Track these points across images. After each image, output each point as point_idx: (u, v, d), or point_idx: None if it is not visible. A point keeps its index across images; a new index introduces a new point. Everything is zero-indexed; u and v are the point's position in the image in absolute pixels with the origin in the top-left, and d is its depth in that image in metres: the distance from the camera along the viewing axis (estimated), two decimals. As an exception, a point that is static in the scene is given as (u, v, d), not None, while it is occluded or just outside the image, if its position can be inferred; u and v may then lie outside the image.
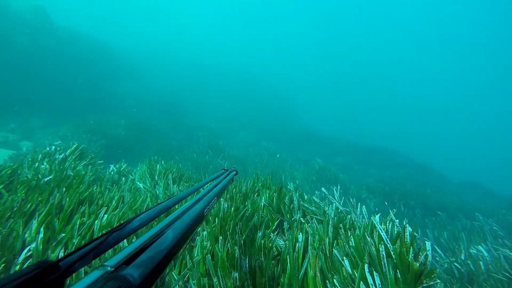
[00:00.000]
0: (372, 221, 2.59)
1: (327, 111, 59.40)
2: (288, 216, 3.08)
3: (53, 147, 5.94)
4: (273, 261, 2.28)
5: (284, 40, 75.37)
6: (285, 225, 2.95)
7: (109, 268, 0.60)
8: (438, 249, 6.32)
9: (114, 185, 5.12)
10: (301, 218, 2.91)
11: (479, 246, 4.98)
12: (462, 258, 4.80)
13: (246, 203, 3.28)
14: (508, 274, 3.88)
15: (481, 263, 4.27)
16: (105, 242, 0.68)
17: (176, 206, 0.98)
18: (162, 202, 1.03)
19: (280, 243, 2.58)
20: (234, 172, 2.19)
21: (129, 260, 0.65)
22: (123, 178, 5.72)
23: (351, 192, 10.66)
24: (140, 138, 13.63)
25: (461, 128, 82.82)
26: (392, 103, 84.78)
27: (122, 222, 0.80)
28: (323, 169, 12.06)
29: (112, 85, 22.57)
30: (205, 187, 1.48)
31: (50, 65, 17.38)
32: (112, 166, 6.43)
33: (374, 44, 78.83)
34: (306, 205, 3.36)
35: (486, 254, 4.56)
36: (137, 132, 14.05)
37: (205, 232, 2.52)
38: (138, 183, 5.03)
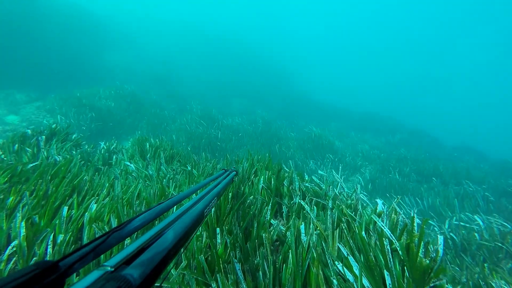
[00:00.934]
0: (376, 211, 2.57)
1: (322, 78, 58.48)
2: (287, 200, 3.06)
3: (29, 131, 5.42)
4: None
5: (278, 7, 71.81)
6: (284, 208, 2.94)
7: (109, 268, 0.61)
8: (434, 216, 6.64)
9: (106, 166, 5.00)
10: (301, 201, 2.88)
11: (475, 216, 5.20)
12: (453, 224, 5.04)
13: (242, 186, 3.24)
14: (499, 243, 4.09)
15: (476, 234, 4.44)
16: (105, 242, 0.68)
17: (176, 207, 0.99)
18: (162, 202, 1.04)
19: (281, 228, 2.60)
20: (234, 172, 2.23)
21: (129, 260, 0.66)
22: (114, 157, 5.54)
23: (347, 160, 10.82)
24: (131, 110, 13.38)
25: (455, 92, 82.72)
26: (386, 70, 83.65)
27: (122, 223, 0.80)
28: (319, 137, 12.14)
29: (101, 55, 21.69)
30: (205, 188, 1.49)
31: (34, 35, 16.44)
32: (102, 143, 6.16)
33: (368, 9, 75.93)
34: (307, 184, 3.37)
35: (481, 223, 4.78)
36: (128, 104, 13.75)
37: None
38: (128, 163, 4.88)
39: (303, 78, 42.09)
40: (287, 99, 24.67)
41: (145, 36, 30.42)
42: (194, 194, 1.37)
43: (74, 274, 2.01)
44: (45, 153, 4.69)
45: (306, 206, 2.72)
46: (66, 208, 2.73)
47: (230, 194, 2.87)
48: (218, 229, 2.18)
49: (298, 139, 12.52)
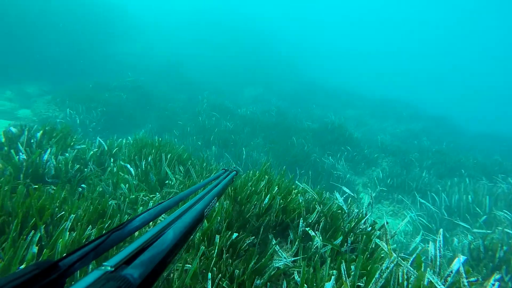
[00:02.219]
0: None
1: (338, 64, 56.91)
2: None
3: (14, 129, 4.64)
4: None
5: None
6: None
7: (109, 268, 0.62)
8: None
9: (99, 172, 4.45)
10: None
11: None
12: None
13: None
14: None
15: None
16: (105, 242, 0.70)
17: (176, 206, 1.02)
18: (162, 202, 1.06)
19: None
20: (235, 172, 2.25)
21: (129, 260, 0.67)
22: (112, 160, 4.88)
23: (366, 152, 10.55)
24: (141, 102, 13.58)
25: (478, 77, 78.68)
26: (404, 54, 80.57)
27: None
28: (338, 127, 11.88)
29: (112, 46, 22.05)
30: (205, 188, 1.52)
31: (46, 27, 16.92)
32: (98, 139, 5.47)
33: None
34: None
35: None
36: (138, 96, 13.97)
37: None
38: (122, 173, 4.18)
39: (319, 65, 41.31)
40: (302, 86, 24.33)
41: (156, 26, 30.55)
42: (194, 194, 1.39)
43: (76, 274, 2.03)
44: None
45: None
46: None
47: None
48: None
49: (314, 130, 12.33)
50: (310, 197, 3.52)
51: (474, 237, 5.12)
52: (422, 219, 6.63)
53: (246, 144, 10.32)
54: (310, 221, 2.98)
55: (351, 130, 12.75)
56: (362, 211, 3.17)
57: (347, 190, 3.85)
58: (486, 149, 14.57)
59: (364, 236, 2.71)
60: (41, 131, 4.73)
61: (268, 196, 3.03)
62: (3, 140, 4.34)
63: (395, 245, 6.17)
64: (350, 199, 3.48)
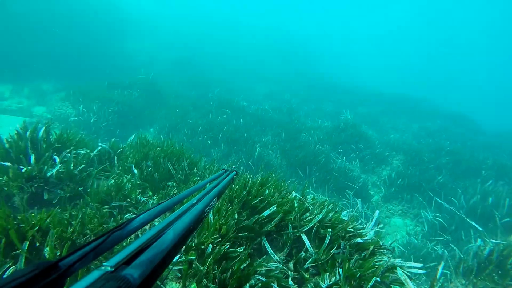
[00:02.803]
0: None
1: (350, 60, 56.10)
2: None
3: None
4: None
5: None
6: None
7: (109, 268, 0.62)
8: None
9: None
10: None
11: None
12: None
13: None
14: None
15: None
16: (105, 242, 0.69)
17: (176, 206, 1.04)
18: (162, 202, 1.06)
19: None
20: (234, 172, 2.25)
21: (129, 260, 0.67)
22: (115, 162, 4.80)
23: (378, 151, 10.35)
24: (151, 100, 13.73)
25: (497, 72, 75.77)
26: (423, 50, 78.48)
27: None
28: (352, 126, 11.72)
29: (123, 43, 22.54)
30: (205, 188, 1.52)
31: (59, 25, 17.37)
32: (100, 144, 5.22)
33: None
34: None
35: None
36: (148, 93, 14.13)
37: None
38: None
39: (332, 62, 40.82)
40: (315, 83, 24.12)
41: (167, 22, 30.79)
42: (194, 194, 1.39)
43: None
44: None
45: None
46: None
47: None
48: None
49: (326, 128, 12.17)
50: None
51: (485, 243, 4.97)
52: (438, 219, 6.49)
53: (256, 142, 10.32)
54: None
55: (363, 128, 12.58)
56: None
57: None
58: (508, 149, 14.07)
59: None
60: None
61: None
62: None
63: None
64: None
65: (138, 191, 3.93)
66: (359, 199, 7.41)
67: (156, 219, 1.03)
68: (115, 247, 0.97)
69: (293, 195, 3.72)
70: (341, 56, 54.24)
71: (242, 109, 13.85)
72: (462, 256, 4.74)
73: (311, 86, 23.09)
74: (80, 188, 3.92)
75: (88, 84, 13.78)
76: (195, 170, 4.93)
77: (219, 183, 1.65)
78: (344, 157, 9.89)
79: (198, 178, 4.60)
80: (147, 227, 2.60)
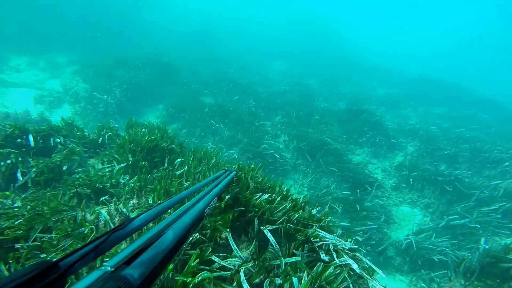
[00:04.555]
0: None
1: (371, 38, 53.84)
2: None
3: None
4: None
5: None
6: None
7: (109, 268, 0.63)
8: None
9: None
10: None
11: None
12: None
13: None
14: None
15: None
16: (105, 242, 0.70)
17: (176, 206, 1.04)
18: (162, 202, 1.06)
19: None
20: (234, 172, 2.29)
21: (129, 260, 0.68)
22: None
23: (392, 137, 10.02)
24: (164, 77, 13.54)
25: None
26: (454, 31, 74.21)
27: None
28: (366, 111, 11.37)
29: (138, 13, 22.35)
30: (205, 188, 1.54)
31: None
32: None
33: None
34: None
35: None
36: (162, 70, 13.97)
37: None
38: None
39: (354, 40, 39.20)
40: (335, 61, 23.26)
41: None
42: (194, 194, 1.40)
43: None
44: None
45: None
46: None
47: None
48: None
49: (340, 112, 11.85)
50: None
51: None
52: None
53: (265, 132, 10.24)
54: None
55: (380, 113, 12.25)
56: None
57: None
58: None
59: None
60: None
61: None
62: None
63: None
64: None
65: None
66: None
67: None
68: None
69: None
70: (366, 35, 52.29)
71: (257, 89, 13.63)
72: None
73: (332, 64, 22.26)
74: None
75: (101, 56, 13.82)
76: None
77: (219, 183, 1.68)
78: (356, 142, 9.74)
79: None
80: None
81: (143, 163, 4.01)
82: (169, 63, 15.00)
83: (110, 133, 5.05)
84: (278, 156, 8.17)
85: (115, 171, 3.79)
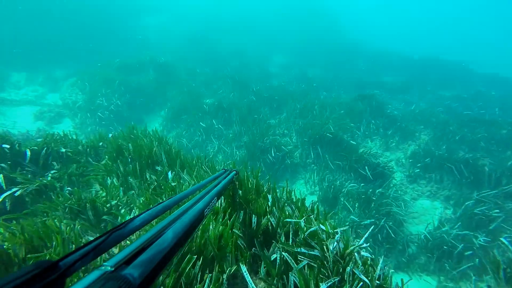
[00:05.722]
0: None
1: (374, 25, 53.37)
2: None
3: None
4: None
5: None
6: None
7: (109, 268, 0.65)
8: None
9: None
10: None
11: None
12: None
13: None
14: None
15: None
16: (105, 242, 0.72)
17: (176, 206, 1.09)
18: (162, 201, 1.09)
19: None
20: (234, 172, 2.33)
21: (129, 260, 0.70)
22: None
23: (403, 125, 9.90)
24: (164, 81, 13.76)
25: None
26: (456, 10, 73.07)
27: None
28: (373, 98, 11.36)
29: (137, 19, 22.92)
30: (205, 187, 1.57)
31: (71, 8, 17.79)
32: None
33: None
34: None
35: None
36: (161, 74, 14.23)
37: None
38: None
39: (356, 27, 38.84)
40: (336, 51, 23.18)
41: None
42: (194, 194, 1.44)
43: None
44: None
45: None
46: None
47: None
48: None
49: (343, 104, 11.79)
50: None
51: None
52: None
53: (268, 119, 10.30)
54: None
55: (385, 99, 12.15)
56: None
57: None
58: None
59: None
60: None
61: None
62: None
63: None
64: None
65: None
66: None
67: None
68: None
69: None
70: (366, 22, 51.90)
71: (257, 85, 13.59)
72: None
73: (334, 54, 22.24)
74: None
75: (98, 66, 14.09)
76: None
77: (219, 183, 1.72)
78: (364, 133, 9.66)
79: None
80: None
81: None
82: (168, 65, 15.26)
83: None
84: (286, 150, 8.21)
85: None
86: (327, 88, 15.21)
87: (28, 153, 4.13)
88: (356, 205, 6.28)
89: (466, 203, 6.23)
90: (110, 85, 11.90)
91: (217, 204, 2.72)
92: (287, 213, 2.81)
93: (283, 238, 2.52)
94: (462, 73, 19.21)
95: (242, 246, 2.45)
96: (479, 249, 5.34)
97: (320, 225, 2.59)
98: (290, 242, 2.49)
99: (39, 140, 4.59)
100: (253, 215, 2.60)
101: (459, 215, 6.22)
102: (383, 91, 15.50)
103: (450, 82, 17.47)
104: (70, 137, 5.23)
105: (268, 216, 2.60)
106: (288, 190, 3.60)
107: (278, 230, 2.64)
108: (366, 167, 7.32)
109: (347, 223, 5.86)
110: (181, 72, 15.46)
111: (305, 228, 2.56)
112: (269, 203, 2.83)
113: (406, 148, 8.87)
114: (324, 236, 2.50)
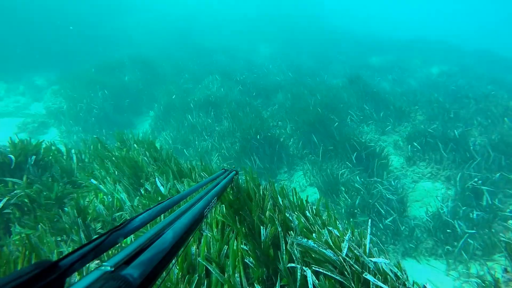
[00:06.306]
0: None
1: (357, 10, 53.76)
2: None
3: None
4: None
5: None
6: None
7: (109, 268, 0.66)
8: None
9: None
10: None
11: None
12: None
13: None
14: None
15: None
16: (105, 242, 0.74)
17: (176, 206, 1.12)
18: (162, 201, 1.11)
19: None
20: (234, 172, 2.36)
21: (129, 260, 0.72)
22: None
23: (393, 106, 10.02)
24: (149, 80, 13.69)
25: None
26: None
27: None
28: (358, 80, 11.48)
29: (119, 18, 22.66)
30: (204, 187, 1.60)
31: (50, 14, 17.48)
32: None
33: None
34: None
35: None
36: (145, 73, 14.13)
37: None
38: None
39: (341, 13, 39.30)
40: (318, 39, 23.64)
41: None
42: (194, 194, 1.47)
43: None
44: None
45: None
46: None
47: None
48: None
49: (334, 85, 11.91)
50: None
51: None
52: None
53: (260, 111, 10.35)
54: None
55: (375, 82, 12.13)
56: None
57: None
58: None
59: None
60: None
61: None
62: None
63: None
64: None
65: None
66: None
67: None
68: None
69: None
70: (349, 6, 52.20)
71: (245, 75, 13.92)
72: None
73: (317, 42, 22.68)
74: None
75: (80, 69, 13.90)
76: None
77: (219, 183, 1.75)
78: (359, 118, 9.77)
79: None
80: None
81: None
82: (154, 63, 15.23)
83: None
84: (281, 142, 8.26)
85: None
86: (316, 75, 15.34)
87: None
88: (358, 197, 6.32)
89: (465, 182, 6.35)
90: (94, 88, 11.78)
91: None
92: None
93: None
94: (445, 48, 19.85)
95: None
96: (480, 227, 5.46)
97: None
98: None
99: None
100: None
101: (458, 193, 6.34)
102: (373, 71, 15.78)
103: (437, 58, 17.89)
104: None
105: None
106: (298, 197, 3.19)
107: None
108: (363, 154, 7.42)
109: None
110: (168, 70, 15.38)
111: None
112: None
113: (403, 130, 8.95)
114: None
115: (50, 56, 16.14)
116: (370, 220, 2.66)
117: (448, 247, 5.32)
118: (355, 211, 6.04)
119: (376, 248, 2.48)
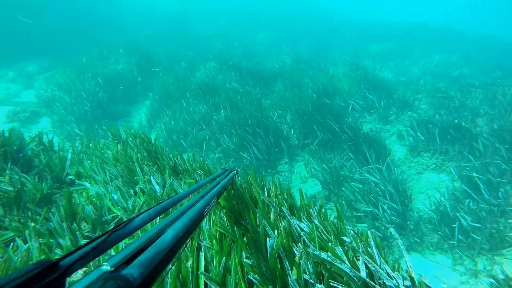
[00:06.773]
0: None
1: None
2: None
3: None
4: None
5: None
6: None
7: (109, 268, 0.68)
8: None
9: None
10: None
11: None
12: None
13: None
14: None
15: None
16: (105, 242, 0.74)
17: (176, 206, 1.15)
18: (162, 201, 1.12)
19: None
20: (234, 171, 2.39)
21: (129, 259, 0.73)
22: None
23: (396, 95, 10.00)
24: (144, 68, 13.60)
25: None
26: None
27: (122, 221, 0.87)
28: (361, 69, 11.44)
29: (111, 7, 22.17)
30: (204, 187, 1.63)
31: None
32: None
33: None
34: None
35: None
36: (141, 60, 14.04)
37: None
38: None
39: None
40: (318, 27, 23.55)
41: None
42: (194, 194, 1.50)
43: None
44: None
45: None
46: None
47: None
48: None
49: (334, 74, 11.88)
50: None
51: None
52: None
53: (260, 100, 10.33)
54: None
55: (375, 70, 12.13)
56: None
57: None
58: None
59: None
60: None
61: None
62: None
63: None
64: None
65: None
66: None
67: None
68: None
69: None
70: None
71: (242, 64, 13.71)
72: None
73: (317, 30, 22.57)
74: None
75: (73, 57, 13.80)
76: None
77: (219, 183, 1.78)
78: (362, 107, 9.79)
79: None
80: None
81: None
82: (149, 51, 15.12)
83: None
84: (282, 131, 8.31)
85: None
86: (315, 62, 15.37)
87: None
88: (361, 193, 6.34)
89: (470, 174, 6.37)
90: (88, 76, 11.68)
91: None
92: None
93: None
94: (447, 35, 19.74)
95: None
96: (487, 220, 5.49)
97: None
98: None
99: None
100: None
101: (464, 184, 6.36)
102: (374, 59, 15.71)
103: (440, 45, 17.82)
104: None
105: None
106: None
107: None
108: (365, 144, 7.44)
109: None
110: (163, 57, 15.29)
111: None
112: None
113: (406, 120, 8.95)
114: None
115: (42, 43, 15.96)
116: (401, 241, 2.41)
117: (453, 242, 5.34)
118: (357, 204, 6.09)
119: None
